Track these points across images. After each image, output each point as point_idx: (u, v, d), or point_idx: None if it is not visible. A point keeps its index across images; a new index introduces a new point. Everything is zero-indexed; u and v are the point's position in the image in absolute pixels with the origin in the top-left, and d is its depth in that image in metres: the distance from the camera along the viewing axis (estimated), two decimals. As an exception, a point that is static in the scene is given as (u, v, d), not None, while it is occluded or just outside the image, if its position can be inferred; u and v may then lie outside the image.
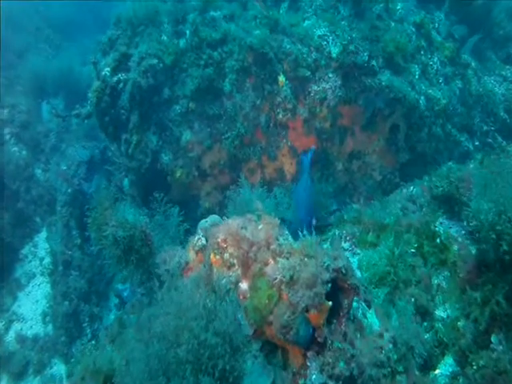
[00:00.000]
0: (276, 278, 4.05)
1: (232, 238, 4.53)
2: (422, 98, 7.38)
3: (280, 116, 6.96)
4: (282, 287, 4.01)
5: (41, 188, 9.54)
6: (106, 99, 7.27)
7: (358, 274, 5.32)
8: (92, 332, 7.34)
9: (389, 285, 5.18)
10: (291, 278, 3.97)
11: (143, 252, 5.42)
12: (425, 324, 5.14)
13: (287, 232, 4.52)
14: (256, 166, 7.17)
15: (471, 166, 6.79)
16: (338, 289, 4.12)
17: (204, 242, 5.00)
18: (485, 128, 8.29)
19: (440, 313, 5.24)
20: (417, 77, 7.47)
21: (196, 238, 5.09)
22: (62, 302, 7.68)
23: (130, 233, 5.33)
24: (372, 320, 4.42)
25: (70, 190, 8.71)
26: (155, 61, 7.01)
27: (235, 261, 4.49)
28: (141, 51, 7.13)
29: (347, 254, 5.60)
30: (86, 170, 8.93)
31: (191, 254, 5.07)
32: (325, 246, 5.95)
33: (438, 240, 5.56)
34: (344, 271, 4.01)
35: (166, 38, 7.22)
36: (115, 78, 7.24)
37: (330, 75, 6.98)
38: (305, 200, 5.70)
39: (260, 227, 4.49)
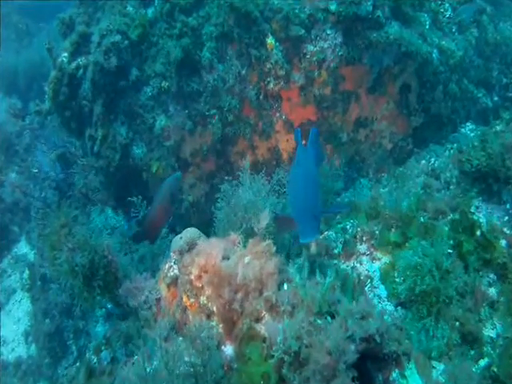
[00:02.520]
0: (274, 353, 2.29)
1: (209, 275, 2.77)
2: (435, 50, 5.64)
3: (271, 86, 5.15)
4: (284, 368, 2.25)
5: (16, 193, 7.54)
6: (64, 90, 5.50)
7: (381, 290, 3.57)
8: (78, 349, 5.65)
9: (426, 305, 3.41)
10: (296, 354, 2.21)
11: (108, 280, 3.70)
12: (472, 353, 3.42)
13: (289, 265, 2.75)
14: (246, 148, 5.40)
15: (498, 127, 4.92)
16: (367, 357, 2.35)
17: (177, 271, 3.25)
18: (504, 81, 6.54)
19: (488, 331, 3.52)
20: (427, 27, 5.67)
21: (167, 265, 3.35)
22: (43, 319, 5.96)
23: (90, 258, 3.59)
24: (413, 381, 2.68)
25: (43, 195, 6.77)
26: (118, 37, 5.20)
27: (215, 308, 2.72)
28: (101, 28, 5.33)
29: (364, 259, 3.83)
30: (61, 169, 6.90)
31: (162, 288, 3.35)
32: (331, 237, 4.19)
33: (478, 233, 3.80)
34: (378, 339, 2.23)
35: (131, 8, 5.31)
36: (73, 65, 5.46)
37: (329, 32, 5.15)
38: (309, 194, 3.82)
39: (247, 260, 2.70)
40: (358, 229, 3.99)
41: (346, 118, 5.38)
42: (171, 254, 3.43)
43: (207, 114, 5.08)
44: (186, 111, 5.19)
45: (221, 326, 2.67)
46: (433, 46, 5.57)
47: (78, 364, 4.75)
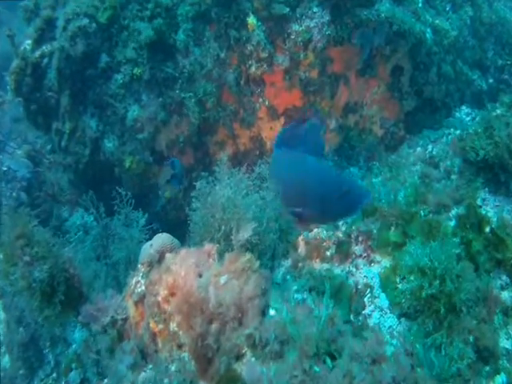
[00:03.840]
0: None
1: (178, 300, 2.13)
2: (429, 30, 5.01)
3: (253, 69, 4.47)
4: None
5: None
6: (27, 81, 4.76)
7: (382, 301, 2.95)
8: (55, 358, 4.97)
9: (434, 317, 2.79)
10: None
11: (71, 296, 3.07)
12: (487, 369, 2.84)
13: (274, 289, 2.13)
14: (226, 137, 4.73)
15: (498, 111, 4.31)
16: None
17: (145, 288, 2.62)
18: (500, 62, 5.91)
19: (503, 342, 2.95)
20: (420, 5, 5.02)
21: (134, 279, 2.72)
22: (17, 328, 5.23)
23: (49, 272, 2.95)
24: None
25: (14, 194, 5.98)
26: (86, 21, 4.47)
27: (187, 340, 2.10)
28: (67, 12, 4.58)
29: (361, 262, 3.22)
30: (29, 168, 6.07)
31: (130, 306, 2.71)
32: (322, 235, 3.56)
33: (487, 229, 3.19)
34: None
35: None
36: (38, 53, 4.72)
37: (315, 10, 4.47)
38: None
39: (223, 280, 2.08)
40: (353, 227, 3.36)
41: (334, 102, 4.72)
42: (139, 265, 2.80)
43: (183, 100, 4.38)
44: (161, 99, 4.49)
45: (193, 362, 2.05)
46: (426, 24, 4.93)
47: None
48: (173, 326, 2.20)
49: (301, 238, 3.58)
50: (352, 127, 4.88)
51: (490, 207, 3.48)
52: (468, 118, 5.26)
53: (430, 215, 3.59)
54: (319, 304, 1.86)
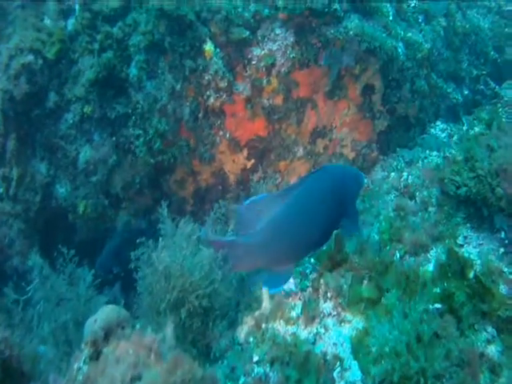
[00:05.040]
0: None
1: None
2: (401, 44, 4.62)
3: (211, 100, 4.01)
4: None
5: None
6: (-32, 128, 4.29)
7: (354, 373, 2.56)
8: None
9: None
10: None
11: (10, 378, 2.63)
12: None
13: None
14: (185, 175, 4.27)
15: (476, 129, 3.99)
16: None
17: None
18: (475, 72, 5.50)
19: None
20: (391, 17, 4.61)
21: (76, 365, 2.30)
22: None
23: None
24: None
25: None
26: (30, 57, 3.96)
27: None
28: (9, 47, 4.07)
29: (330, 322, 2.82)
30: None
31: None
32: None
33: (471, 275, 2.81)
34: None
35: (49, 20, 4.10)
36: (-23, 95, 4.25)
37: (278, 31, 4.07)
38: None
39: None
40: (321, 281, 2.94)
41: (301, 129, 4.29)
42: (82, 345, 2.38)
43: (137, 140, 3.90)
44: (113, 138, 4.03)
45: None
46: (398, 39, 4.52)
47: None
48: None
49: (264, 289, 3.19)
50: (321, 153, 4.44)
51: (473, 246, 3.10)
52: (444, 135, 4.89)
53: (407, 257, 3.23)
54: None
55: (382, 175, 4.47)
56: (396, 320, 2.53)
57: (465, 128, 4.98)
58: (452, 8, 5.28)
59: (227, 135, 4.10)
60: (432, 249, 3.17)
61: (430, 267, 3.04)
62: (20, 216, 4.35)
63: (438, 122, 4.94)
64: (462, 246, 3.10)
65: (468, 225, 3.20)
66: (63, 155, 4.15)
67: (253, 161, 4.20)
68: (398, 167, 4.47)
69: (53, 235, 4.19)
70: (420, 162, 4.18)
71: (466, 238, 3.15)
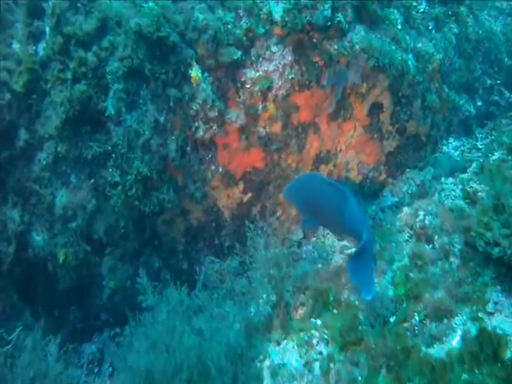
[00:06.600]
0: None
1: None
2: (411, 56, 4.02)
3: (200, 133, 3.36)
4: None
5: None
6: None
7: None
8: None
9: None
10: None
11: None
12: None
13: None
14: (174, 215, 3.62)
15: (497, 154, 3.46)
16: None
17: None
18: (488, 82, 4.87)
19: None
20: (399, 26, 3.97)
21: None
22: None
23: None
24: None
25: None
26: None
27: None
28: None
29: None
30: None
31: None
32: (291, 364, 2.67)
33: (506, 355, 2.34)
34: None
35: (17, 45, 3.42)
36: None
37: (274, 49, 3.43)
38: None
39: None
40: (331, 365, 2.39)
41: (302, 156, 3.67)
42: None
43: (116, 182, 3.23)
44: (92, 180, 3.39)
45: None
46: (408, 50, 3.91)
47: None
48: None
49: (267, 363, 2.64)
50: (325, 178, 3.85)
51: (505, 315, 2.55)
52: (457, 153, 4.31)
53: (427, 321, 2.68)
54: None
55: (392, 201, 3.94)
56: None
57: (478, 143, 4.43)
58: (463, 11, 4.62)
59: (220, 169, 3.46)
60: (457, 315, 2.62)
61: (456, 340, 2.51)
62: (-8, 270, 3.73)
63: (451, 139, 4.36)
64: (491, 314, 2.56)
65: (498, 287, 2.66)
66: (38, 200, 3.47)
67: (250, 194, 3.61)
68: (409, 192, 3.93)
69: (33, 286, 3.61)
70: (436, 194, 3.58)
71: (496, 303, 2.60)
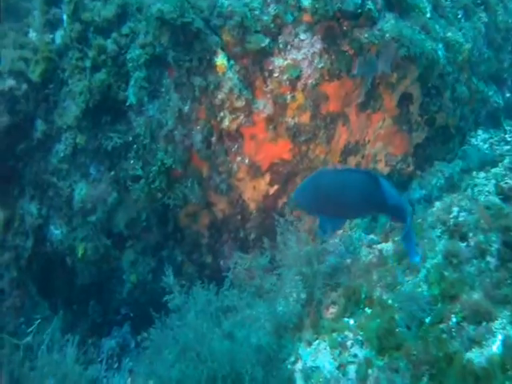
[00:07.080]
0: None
1: None
2: (441, 46, 3.81)
3: (226, 123, 3.19)
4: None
5: None
6: None
7: None
8: None
9: None
10: None
11: None
12: None
13: None
14: (198, 208, 3.45)
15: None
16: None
17: None
18: (518, 73, 4.63)
19: None
20: (429, 15, 3.79)
21: None
22: None
23: None
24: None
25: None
26: (11, 82, 3.20)
27: None
28: None
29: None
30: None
31: None
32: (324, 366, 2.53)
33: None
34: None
35: (34, 33, 3.26)
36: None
37: (303, 36, 3.24)
38: None
39: None
40: (370, 371, 2.25)
41: (331, 147, 3.51)
42: None
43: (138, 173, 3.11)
44: (113, 173, 3.26)
45: None
46: (437, 39, 3.74)
47: None
48: None
49: (299, 366, 2.50)
50: (354, 171, 3.69)
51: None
52: (486, 146, 4.13)
53: (465, 324, 2.52)
54: None
55: (420, 194, 3.80)
56: None
57: (507, 136, 4.26)
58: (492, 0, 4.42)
59: (246, 161, 3.30)
60: (496, 318, 2.47)
61: (496, 345, 2.36)
62: (11, 264, 3.62)
63: (480, 132, 4.19)
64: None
65: (543, 291, 2.49)
66: (56, 193, 3.38)
67: (276, 186, 3.46)
68: (438, 185, 3.77)
69: (51, 283, 3.48)
70: (469, 189, 3.41)
71: (543, 312, 2.44)
